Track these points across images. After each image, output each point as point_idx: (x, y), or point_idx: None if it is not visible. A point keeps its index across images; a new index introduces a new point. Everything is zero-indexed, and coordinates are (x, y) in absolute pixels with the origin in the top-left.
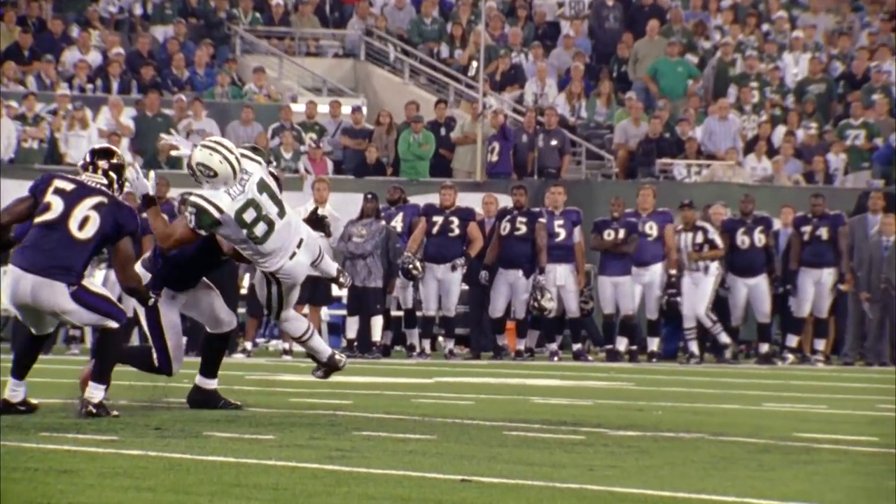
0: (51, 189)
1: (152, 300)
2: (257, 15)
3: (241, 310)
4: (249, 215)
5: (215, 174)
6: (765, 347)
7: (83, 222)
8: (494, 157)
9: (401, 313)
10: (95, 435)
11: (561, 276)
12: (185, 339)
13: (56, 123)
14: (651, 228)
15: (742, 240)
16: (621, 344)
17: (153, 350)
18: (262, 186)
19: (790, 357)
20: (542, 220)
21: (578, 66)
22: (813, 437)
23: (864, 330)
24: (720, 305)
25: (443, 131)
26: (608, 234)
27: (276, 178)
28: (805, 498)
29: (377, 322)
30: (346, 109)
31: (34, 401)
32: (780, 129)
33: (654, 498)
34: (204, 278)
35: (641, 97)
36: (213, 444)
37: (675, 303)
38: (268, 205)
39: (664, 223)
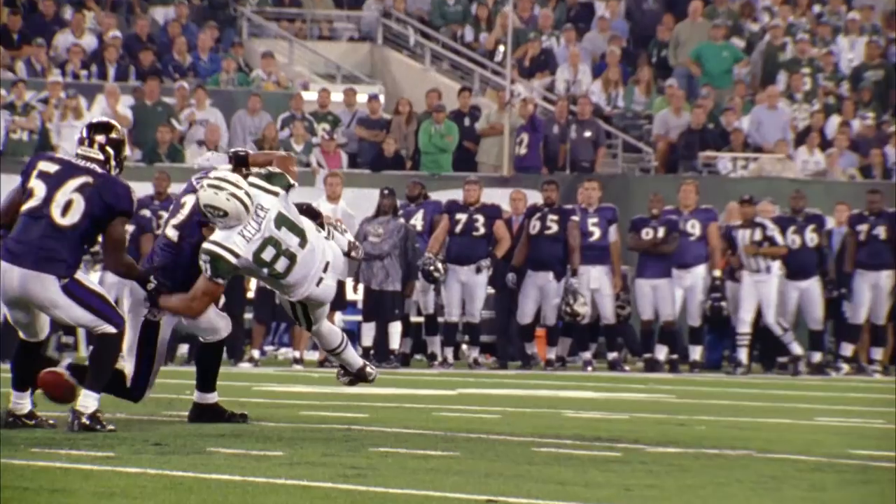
0: (35, 172)
1: (152, 284)
2: None
3: (248, 315)
4: (268, 254)
5: (225, 213)
6: (817, 357)
7: (66, 207)
8: (523, 150)
9: (421, 319)
10: (90, 451)
11: (595, 278)
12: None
13: (48, 113)
14: (693, 227)
15: (792, 239)
16: (661, 353)
17: (127, 369)
18: (281, 220)
19: (845, 367)
20: (575, 217)
21: (614, 51)
22: (869, 455)
23: None
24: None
25: (467, 122)
26: (646, 234)
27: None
28: None
29: (395, 329)
30: (361, 98)
31: (43, 414)
32: (834, 120)
33: None
34: None
35: (683, 84)
36: (218, 461)
37: (719, 308)
38: (287, 238)
39: (707, 221)
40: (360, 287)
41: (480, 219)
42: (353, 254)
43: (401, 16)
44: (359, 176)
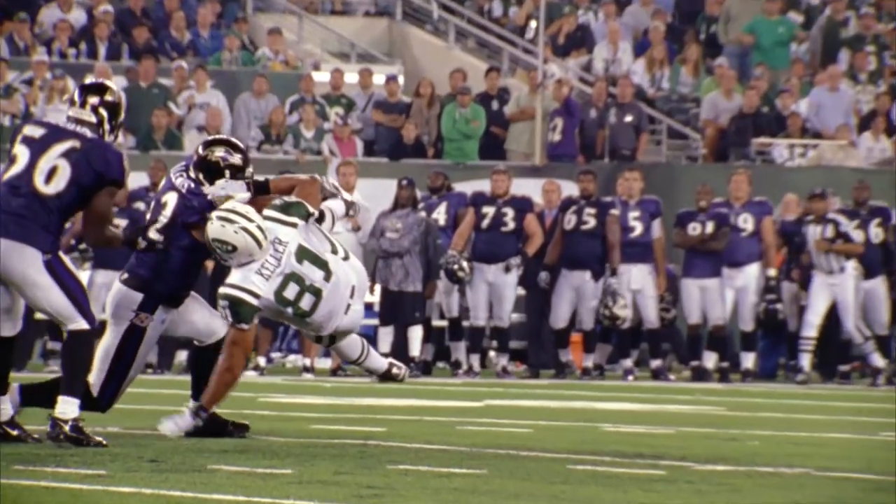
0: (19, 138)
1: (143, 244)
2: None
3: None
4: (291, 291)
5: (234, 248)
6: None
7: (50, 174)
8: (557, 137)
9: (444, 323)
10: (79, 468)
11: (637, 278)
12: None
13: (32, 95)
14: (745, 222)
15: (855, 234)
16: (709, 360)
17: (96, 379)
18: (302, 254)
19: None
20: (615, 211)
21: (658, 27)
22: None
23: None
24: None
25: (495, 105)
26: (693, 229)
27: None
28: None
29: (416, 334)
30: (378, 79)
31: (28, 427)
32: None
33: None
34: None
35: (734, 64)
36: (220, 479)
37: (774, 311)
38: (311, 273)
39: (761, 215)
40: (377, 288)
41: (510, 212)
42: (351, 212)
43: None
44: (375, 165)
